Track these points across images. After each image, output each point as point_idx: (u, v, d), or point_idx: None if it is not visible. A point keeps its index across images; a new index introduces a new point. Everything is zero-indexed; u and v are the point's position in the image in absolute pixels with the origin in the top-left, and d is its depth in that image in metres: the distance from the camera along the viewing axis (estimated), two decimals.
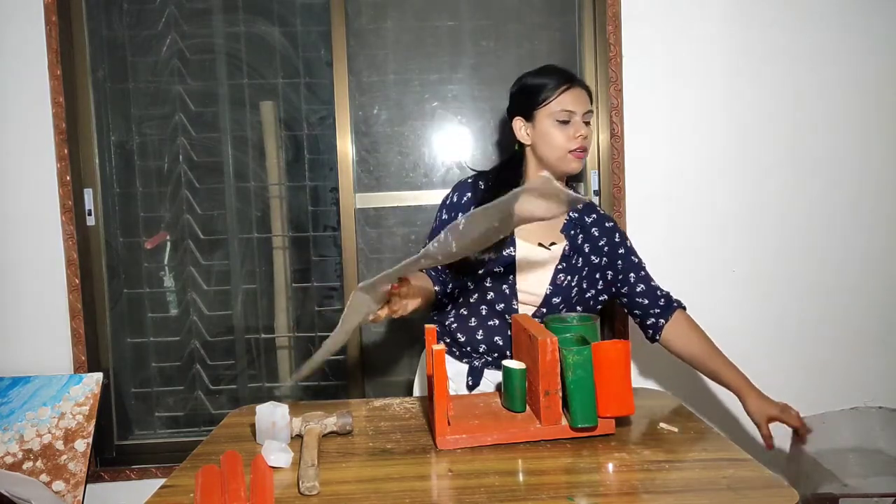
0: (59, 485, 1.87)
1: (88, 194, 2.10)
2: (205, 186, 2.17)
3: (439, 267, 1.60)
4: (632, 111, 2.04)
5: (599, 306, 1.61)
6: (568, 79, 1.51)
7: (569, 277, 1.52)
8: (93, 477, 2.06)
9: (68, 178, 2.03)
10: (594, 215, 1.60)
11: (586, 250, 1.56)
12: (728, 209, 2.06)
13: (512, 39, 2.13)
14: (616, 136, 2.04)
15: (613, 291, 1.60)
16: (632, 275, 1.57)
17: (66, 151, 2.02)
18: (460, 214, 1.56)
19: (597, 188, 2.09)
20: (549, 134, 1.50)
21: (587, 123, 1.52)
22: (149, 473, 2.09)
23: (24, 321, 2.06)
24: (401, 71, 2.13)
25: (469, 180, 1.62)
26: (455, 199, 1.60)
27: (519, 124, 1.56)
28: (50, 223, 2.04)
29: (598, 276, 1.57)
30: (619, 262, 1.57)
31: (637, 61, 2.03)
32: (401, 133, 2.15)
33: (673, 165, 2.05)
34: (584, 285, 1.55)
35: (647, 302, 1.57)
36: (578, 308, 1.55)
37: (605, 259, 1.57)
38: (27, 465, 1.88)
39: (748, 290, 2.07)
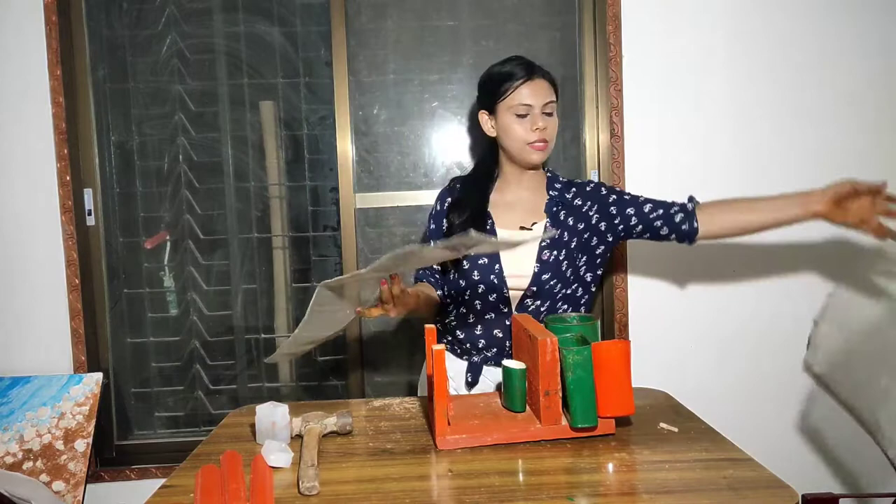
0: (59, 485, 1.87)
1: (88, 194, 2.10)
2: (205, 186, 2.16)
3: (435, 267, 1.62)
4: (632, 111, 2.04)
5: (599, 270, 1.60)
6: (527, 71, 1.52)
7: (555, 252, 1.52)
8: (93, 477, 2.06)
9: (68, 178, 2.03)
10: (574, 189, 1.60)
11: (570, 223, 1.55)
12: None
13: (512, 39, 2.13)
14: (616, 136, 2.04)
15: (621, 234, 1.57)
16: (630, 208, 1.54)
17: (66, 151, 2.02)
18: (445, 220, 1.60)
19: None
20: (509, 127, 1.53)
21: (549, 114, 1.53)
22: (149, 473, 2.09)
23: (24, 321, 2.06)
24: (401, 71, 2.13)
25: (448, 186, 1.66)
26: (439, 208, 1.64)
27: (484, 118, 1.59)
28: (50, 223, 2.04)
29: (585, 237, 1.55)
30: (612, 207, 1.55)
31: (637, 61, 2.03)
32: (401, 133, 2.14)
33: (673, 165, 2.05)
34: (574, 256, 1.54)
35: (661, 212, 1.53)
36: (572, 280, 1.54)
37: (593, 219, 1.56)
38: (27, 465, 1.88)
39: (748, 290, 2.07)
